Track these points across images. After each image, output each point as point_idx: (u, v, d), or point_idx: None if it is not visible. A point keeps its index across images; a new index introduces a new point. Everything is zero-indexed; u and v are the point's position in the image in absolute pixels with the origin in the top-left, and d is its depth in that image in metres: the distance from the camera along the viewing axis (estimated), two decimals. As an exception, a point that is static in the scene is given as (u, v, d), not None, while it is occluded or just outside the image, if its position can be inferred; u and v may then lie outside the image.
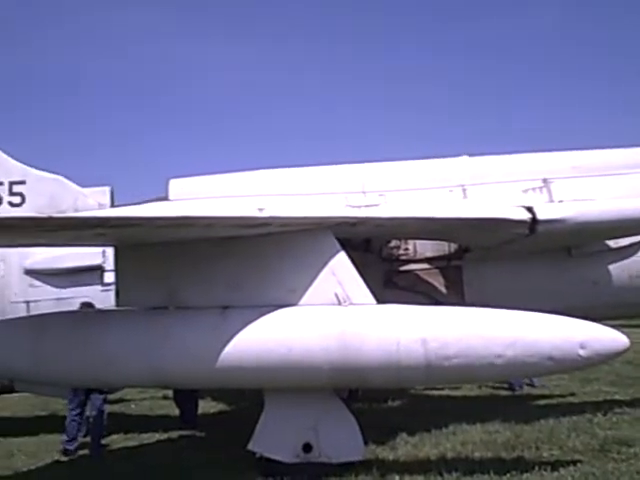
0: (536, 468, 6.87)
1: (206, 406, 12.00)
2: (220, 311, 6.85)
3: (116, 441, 9.89)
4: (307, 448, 7.01)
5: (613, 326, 6.69)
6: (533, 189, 8.99)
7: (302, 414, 7.06)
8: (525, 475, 6.74)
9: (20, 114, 55.90)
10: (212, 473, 7.15)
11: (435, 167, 9.76)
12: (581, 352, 6.45)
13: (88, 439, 9.40)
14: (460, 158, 9.88)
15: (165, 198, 9.77)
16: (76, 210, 10.19)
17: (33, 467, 8.61)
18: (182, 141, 59.06)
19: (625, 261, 9.11)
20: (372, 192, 9.37)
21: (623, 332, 6.64)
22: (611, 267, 9.07)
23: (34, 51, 56.18)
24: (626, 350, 6.66)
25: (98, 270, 10.20)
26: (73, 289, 10.24)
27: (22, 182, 10.46)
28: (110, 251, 8.91)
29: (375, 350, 6.52)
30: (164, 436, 9.99)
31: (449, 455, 7.66)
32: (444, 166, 9.75)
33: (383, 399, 11.55)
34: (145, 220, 6.29)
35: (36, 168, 10.63)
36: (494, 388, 12.86)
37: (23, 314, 9.74)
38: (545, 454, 7.51)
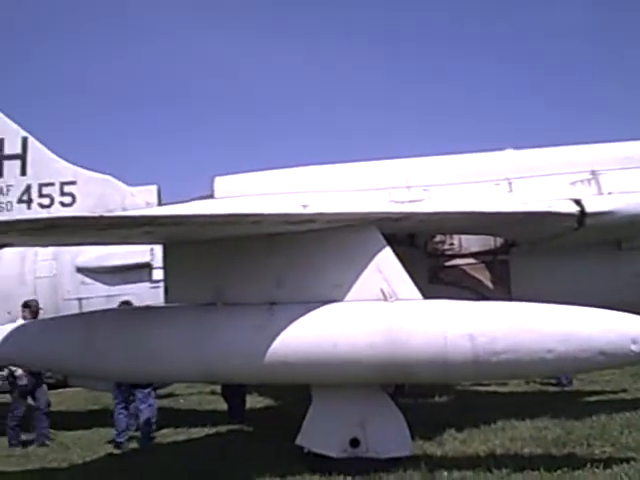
0: (588, 465, 6.73)
1: (253, 401, 12.14)
2: (267, 307, 6.90)
3: (166, 435, 10.10)
4: (354, 443, 7.03)
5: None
6: (581, 181, 8.81)
7: (349, 409, 7.07)
8: (577, 472, 6.62)
9: (69, 116, 57.25)
10: (260, 467, 7.21)
11: (480, 161, 9.65)
12: (633, 347, 6.31)
13: (146, 433, 9.62)
14: (505, 151, 9.77)
15: (211, 196, 9.90)
16: (124, 209, 10.41)
17: (88, 459, 8.87)
18: (226, 139, 59.57)
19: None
20: (416, 187, 9.32)
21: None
22: (663, 261, 8.85)
23: (79, 52, 57.33)
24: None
25: (146, 267, 10.40)
26: (122, 286, 10.48)
27: (73, 182, 10.73)
28: (158, 249, 9.07)
29: (422, 345, 6.49)
30: (212, 430, 10.14)
31: (498, 451, 7.59)
32: (489, 160, 9.64)
33: (430, 395, 11.51)
34: (192, 218, 6.40)
35: (86, 168, 10.90)
36: (542, 384, 12.67)
37: (75, 311, 9.99)
38: (597, 451, 7.37)
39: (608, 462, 6.81)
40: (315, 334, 6.65)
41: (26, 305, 9.91)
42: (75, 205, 10.62)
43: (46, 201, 10.72)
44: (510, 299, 7.94)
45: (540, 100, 55.10)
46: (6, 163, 10.88)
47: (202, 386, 13.71)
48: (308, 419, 7.26)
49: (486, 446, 7.82)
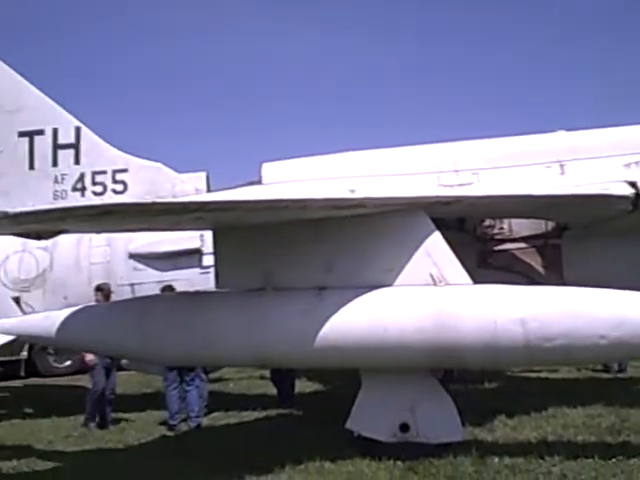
0: (644, 453, 6.62)
1: (302, 386, 12.24)
2: (316, 292, 6.93)
3: (217, 418, 10.29)
4: (404, 428, 7.03)
5: None
6: (636, 163, 8.56)
7: (399, 394, 7.08)
8: (632, 460, 6.51)
9: (122, 105, 58.19)
10: (310, 451, 7.28)
11: (530, 143, 9.48)
12: (690, 333, 6.14)
13: (193, 415, 9.81)
14: (557, 133, 9.56)
15: (258, 182, 9.97)
16: (174, 196, 10.57)
17: (143, 441, 9.10)
18: (273, 125, 59.65)
19: None
20: (465, 171, 9.21)
21: None
22: None
23: (132, 37, 58.04)
24: None
25: (197, 253, 10.56)
26: (173, 272, 10.67)
27: (124, 170, 10.94)
28: (208, 235, 9.20)
29: (472, 330, 6.44)
30: (262, 414, 10.27)
31: (550, 438, 7.52)
32: (540, 142, 9.45)
33: (479, 381, 11.42)
34: (242, 203, 6.46)
35: (137, 156, 11.10)
36: (594, 370, 12.45)
37: (128, 296, 10.20)
38: (653, 439, 7.23)
39: (665, 451, 6.67)
40: (365, 319, 6.65)
41: (98, 288, 10.06)
42: (127, 192, 10.83)
43: (99, 189, 10.96)
44: (562, 284, 7.79)
45: (590, 80, 53.57)
46: (60, 152, 11.15)
47: (251, 371, 13.89)
48: (357, 403, 7.29)
49: (538, 433, 7.75)
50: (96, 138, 11.26)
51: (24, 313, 9.40)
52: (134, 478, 7.09)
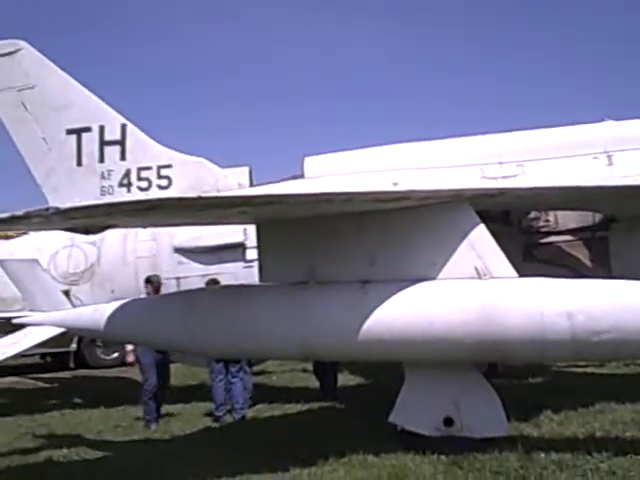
0: (695, 451, 6.46)
1: (344, 379, 12.25)
2: (360, 286, 6.91)
3: (261, 410, 10.38)
4: (448, 422, 6.98)
5: None
6: (685, 154, 8.36)
7: (443, 388, 7.03)
8: (684, 458, 6.36)
9: (165, 102, 59.08)
10: (354, 444, 7.29)
11: (577, 133, 9.32)
12: None
13: (237, 406, 9.93)
14: (604, 123, 9.37)
15: (301, 176, 10.02)
16: (218, 190, 10.70)
17: (188, 432, 9.25)
18: (316, 119, 59.72)
19: None
20: (509, 162, 9.11)
21: None
22: None
23: (171, 40, 58.83)
24: None
25: (240, 247, 10.68)
26: (217, 265, 10.81)
27: (169, 166, 11.13)
28: (251, 229, 9.29)
29: (517, 324, 6.34)
30: (305, 407, 10.31)
31: (598, 434, 7.35)
32: (586, 132, 9.29)
33: (524, 376, 11.28)
34: (286, 197, 6.48)
35: (181, 152, 11.26)
36: (643, 366, 12.16)
37: (174, 290, 10.39)
38: None
39: None
40: (410, 312, 6.60)
41: (148, 280, 10.12)
42: (171, 187, 11.02)
43: (144, 184, 11.17)
44: (610, 277, 7.64)
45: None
46: (107, 149, 11.40)
47: (294, 363, 13.95)
48: (401, 397, 7.26)
49: (585, 429, 7.60)
50: (141, 134, 11.47)
51: (73, 306, 9.65)
52: (180, 468, 7.21)
